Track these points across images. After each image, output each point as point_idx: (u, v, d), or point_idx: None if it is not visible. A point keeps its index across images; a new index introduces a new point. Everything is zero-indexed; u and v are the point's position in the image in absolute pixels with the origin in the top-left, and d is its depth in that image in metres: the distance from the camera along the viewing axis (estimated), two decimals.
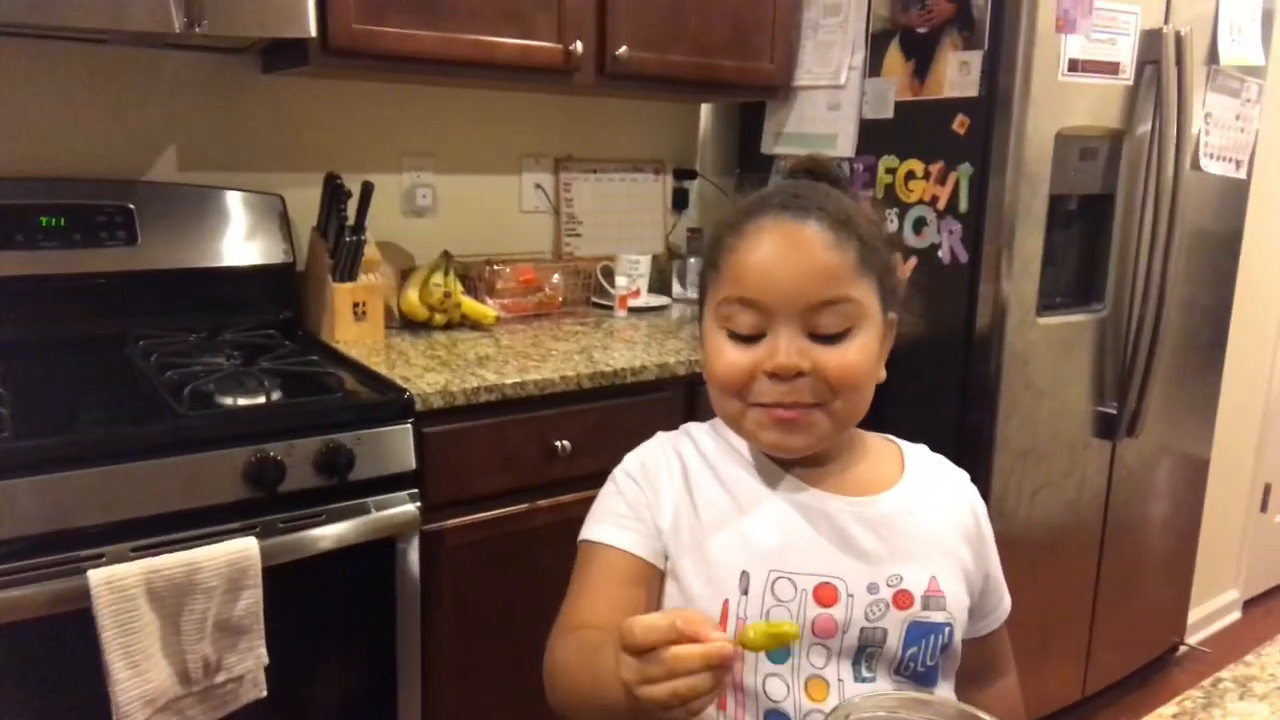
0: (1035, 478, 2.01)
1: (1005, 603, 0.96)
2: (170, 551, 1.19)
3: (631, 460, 0.92)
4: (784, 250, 0.80)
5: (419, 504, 1.43)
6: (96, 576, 1.11)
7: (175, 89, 1.78)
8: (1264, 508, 2.92)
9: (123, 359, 1.55)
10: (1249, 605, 2.96)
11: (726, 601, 0.81)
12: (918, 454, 0.93)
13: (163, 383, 1.37)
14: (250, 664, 1.24)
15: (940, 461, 0.94)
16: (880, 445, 0.93)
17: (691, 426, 0.94)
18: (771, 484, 0.86)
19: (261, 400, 1.36)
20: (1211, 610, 2.80)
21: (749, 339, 0.81)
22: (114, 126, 1.73)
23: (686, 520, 0.86)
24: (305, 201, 1.86)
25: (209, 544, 1.20)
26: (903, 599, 0.82)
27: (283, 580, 1.27)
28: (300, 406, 1.38)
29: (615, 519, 0.87)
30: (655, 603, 0.86)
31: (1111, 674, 2.36)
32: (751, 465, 0.88)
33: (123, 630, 1.12)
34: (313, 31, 1.52)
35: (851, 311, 0.80)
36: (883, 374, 0.86)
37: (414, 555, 1.44)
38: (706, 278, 0.87)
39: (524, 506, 1.60)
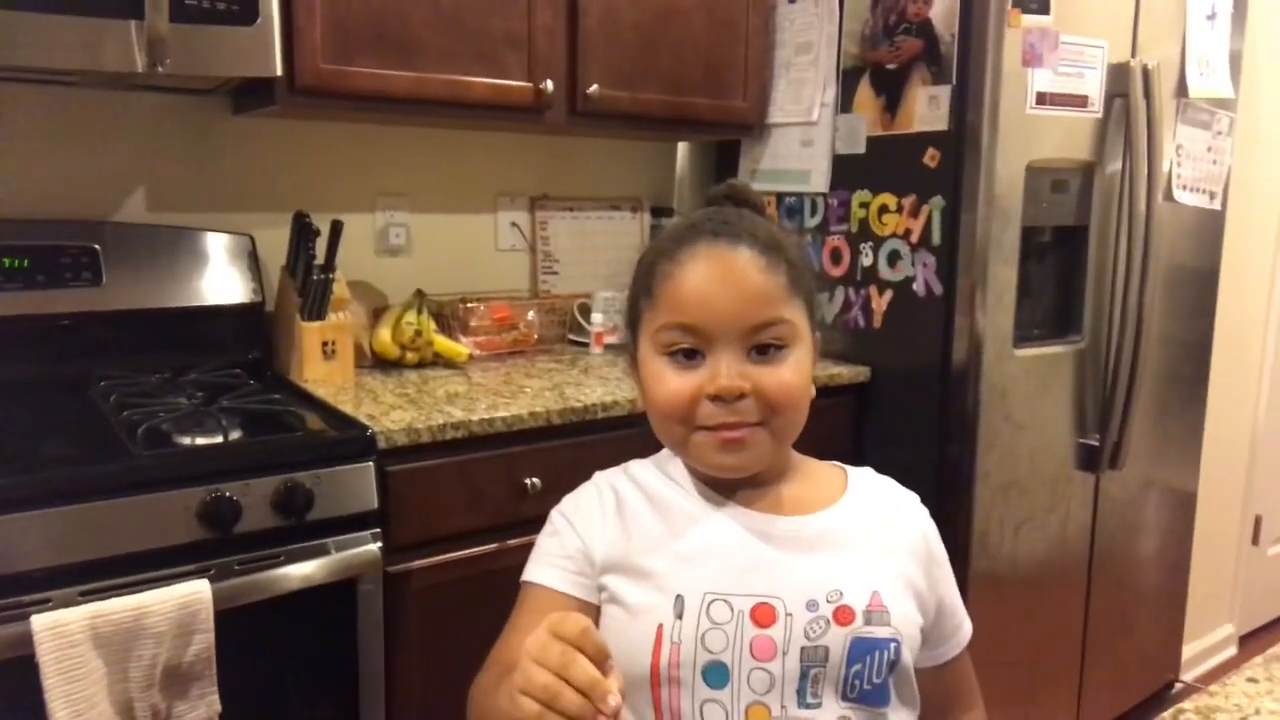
0: (1018, 512, 1.98)
1: (965, 628, 0.94)
2: (120, 595, 1.16)
3: (566, 501, 0.93)
4: (720, 275, 0.82)
5: (380, 544, 1.40)
6: (40, 622, 1.08)
7: (144, 130, 1.78)
8: (1255, 540, 2.89)
9: (85, 400, 1.53)
10: (1245, 640, 2.92)
11: (661, 626, 0.80)
12: (862, 474, 0.94)
13: (120, 423, 1.35)
14: (202, 712, 1.20)
15: (887, 482, 0.94)
16: (823, 469, 0.94)
17: (632, 463, 0.95)
18: (708, 509, 0.87)
19: (218, 440, 1.34)
20: (1207, 646, 2.76)
21: (689, 362, 0.83)
22: (81, 168, 1.73)
23: (619, 550, 0.86)
24: (276, 241, 1.85)
25: (160, 587, 1.17)
26: (843, 614, 0.81)
27: (239, 624, 1.24)
28: (256, 446, 1.36)
29: (548, 559, 0.88)
30: None
31: (1105, 713, 2.31)
32: (689, 493, 0.88)
33: (66, 678, 1.09)
34: (279, 71, 1.53)
35: (786, 332, 0.83)
36: (813, 391, 0.86)
37: (377, 597, 1.40)
38: (640, 305, 0.88)
39: (493, 546, 1.57)
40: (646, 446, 1.76)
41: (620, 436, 1.69)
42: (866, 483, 0.93)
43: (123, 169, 1.77)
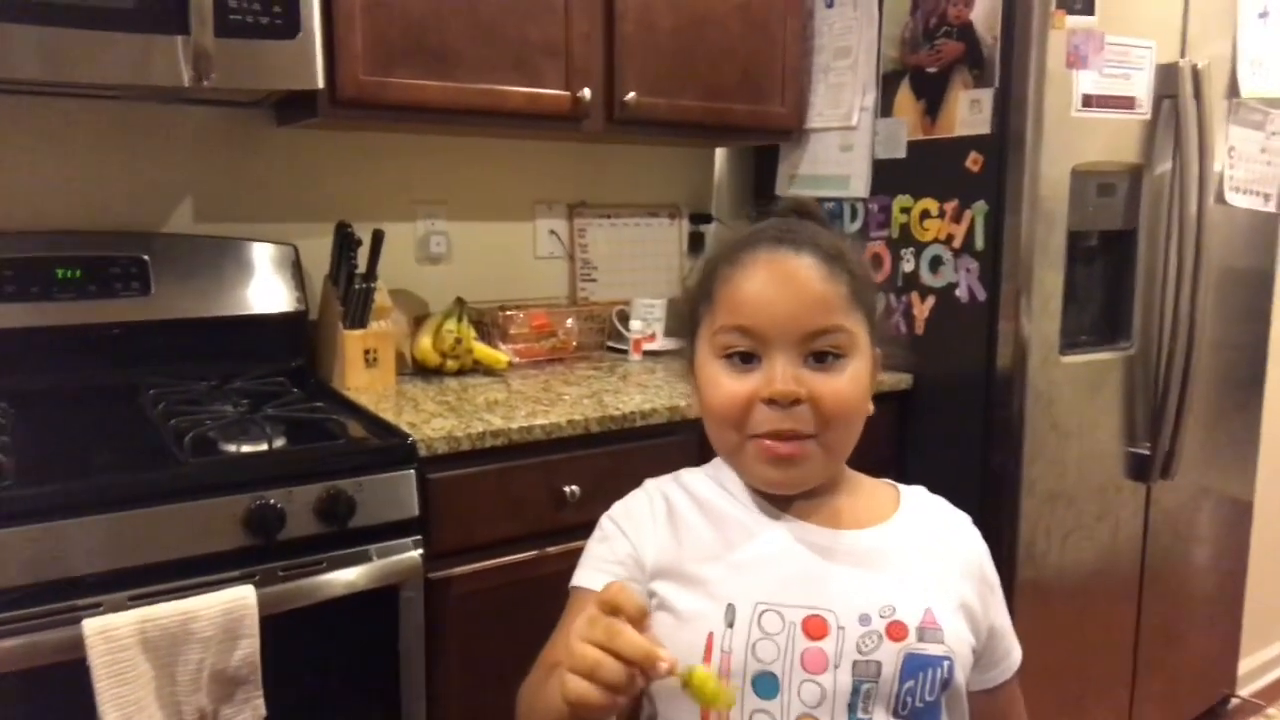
0: (1065, 522, 1.94)
1: (1015, 654, 0.92)
2: (168, 600, 1.18)
3: (617, 507, 0.92)
4: (781, 280, 0.82)
5: (422, 551, 1.41)
6: (91, 626, 1.10)
7: (191, 143, 1.82)
8: None
9: (134, 408, 1.56)
10: None
11: (711, 634, 0.80)
12: (915, 493, 0.92)
13: (167, 431, 1.38)
14: (247, 715, 1.22)
15: (940, 502, 0.93)
16: (876, 485, 0.93)
17: (684, 471, 0.94)
18: (762, 520, 0.86)
19: (263, 447, 1.36)
20: (1265, 660, 2.68)
21: (745, 366, 0.82)
22: (130, 180, 1.77)
23: (671, 557, 0.85)
24: (319, 251, 1.88)
25: (206, 593, 1.19)
26: (896, 630, 0.80)
27: (283, 629, 1.25)
28: (300, 453, 1.37)
29: (597, 564, 0.88)
30: None
31: None
32: (743, 503, 0.87)
33: (117, 681, 1.11)
34: (320, 83, 1.55)
35: (844, 341, 0.82)
36: (870, 407, 0.85)
37: (418, 603, 1.41)
38: (699, 309, 0.87)
39: (532, 553, 1.57)
40: (685, 454, 1.76)
41: (659, 444, 1.69)
42: (919, 502, 0.92)
43: (170, 181, 1.81)
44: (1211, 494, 2.23)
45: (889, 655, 0.79)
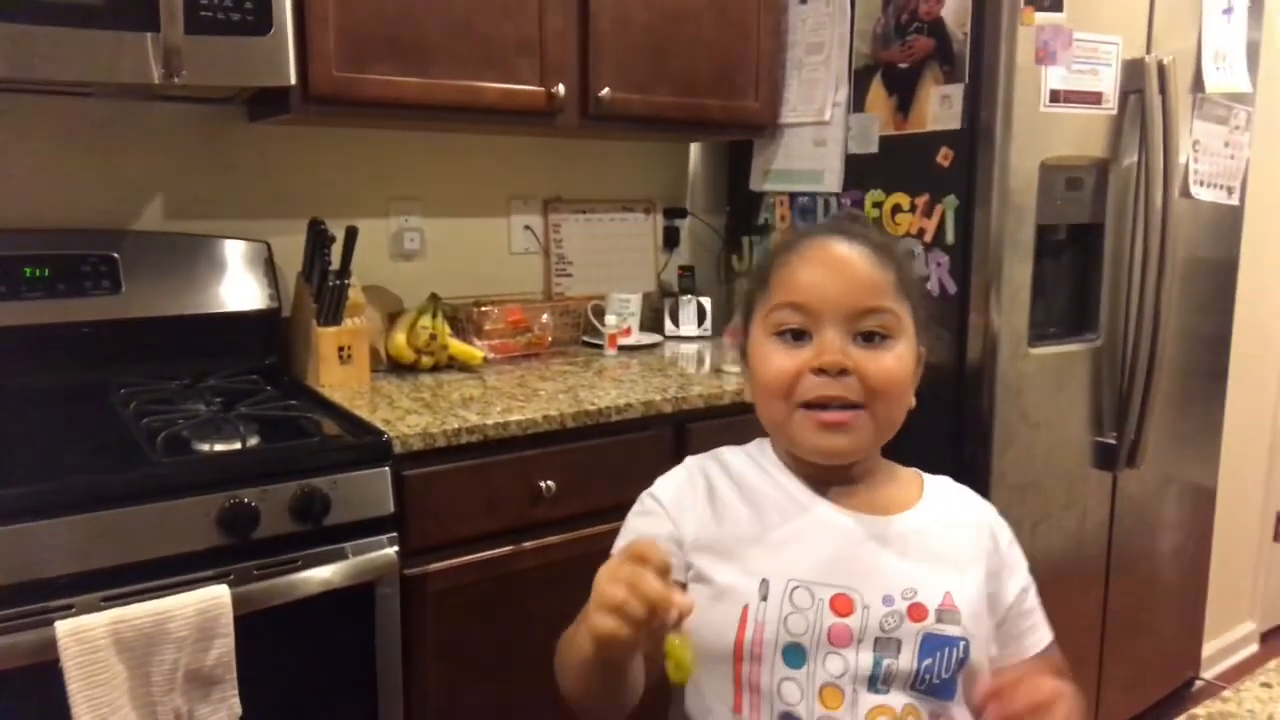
0: (1034, 511, 1.97)
1: (1040, 632, 0.96)
2: (142, 601, 1.17)
3: (659, 484, 0.97)
4: (833, 264, 0.89)
5: (397, 548, 1.41)
6: (63, 628, 1.10)
7: (162, 139, 1.80)
8: (1277, 536, 2.86)
9: (106, 408, 1.55)
10: (1266, 637, 2.89)
11: (746, 606, 0.85)
12: (939, 482, 0.98)
13: (140, 430, 1.37)
14: (223, 715, 1.22)
15: (964, 490, 0.99)
16: (905, 473, 0.98)
17: (724, 449, 1.00)
18: (798, 500, 0.91)
19: (236, 446, 1.35)
20: (1228, 643, 2.74)
21: (796, 343, 0.88)
22: (100, 178, 1.75)
23: (709, 532, 0.90)
24: (292, 248, 1.87)
25: (180, 593, 1.19)
26: (917, 611, 0.85)
27: (258, 628, 1.26)
28: (274, 452, 1.37)
29: (636, 536, 0.92)
30: None
31: (1125, 710, 2.30)
32: (780, 484, 0.93)
33: (90, 682, 1.11)
34: (293, 80, 1.54)
35: (891, 322, 0.88)
36: (912, 400, 0.92)
37: (394, 600, 1.42)
38: (754, 298, 0.94)
39: (508, 549, 1.58)
40: (659, 448, 1.77)
41: (634, 439, 1.70)
42: (943, 490, 0.97)
43: (140, 178, 1.80)
44: (1176, 482, 2.28)
45: (909, 634, 0.84)
